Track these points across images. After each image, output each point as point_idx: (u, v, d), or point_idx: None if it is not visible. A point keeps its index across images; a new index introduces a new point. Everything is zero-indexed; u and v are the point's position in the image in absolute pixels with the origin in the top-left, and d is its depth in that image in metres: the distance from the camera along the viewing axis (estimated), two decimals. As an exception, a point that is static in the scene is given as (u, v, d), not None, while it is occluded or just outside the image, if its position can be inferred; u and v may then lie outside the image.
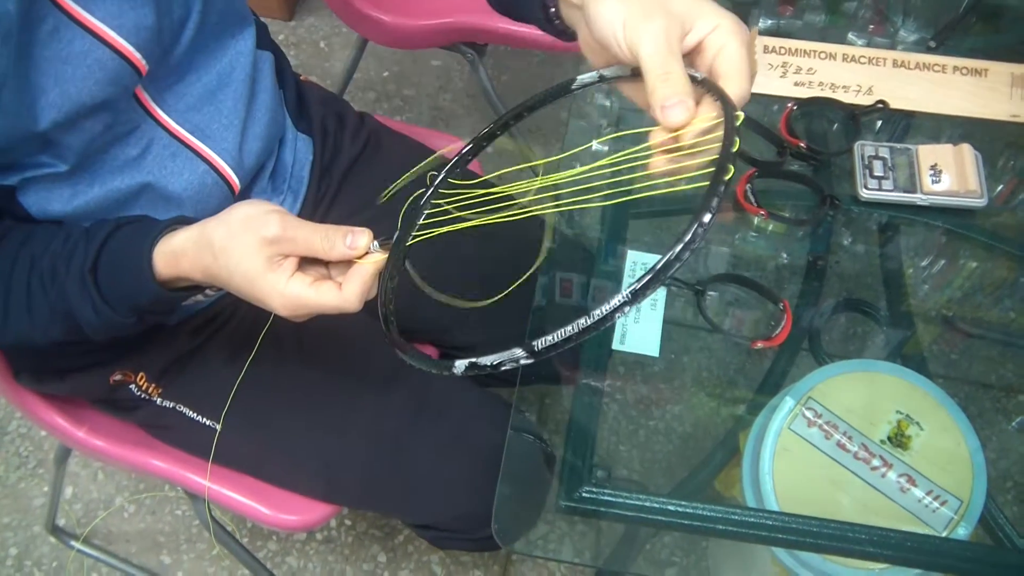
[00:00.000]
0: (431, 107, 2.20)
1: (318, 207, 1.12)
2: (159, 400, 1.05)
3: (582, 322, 0.54)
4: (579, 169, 0.71)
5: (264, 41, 1.04)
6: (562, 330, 0.55)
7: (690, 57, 0.67)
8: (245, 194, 1.03)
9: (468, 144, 0.78)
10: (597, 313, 0.53)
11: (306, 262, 0.75)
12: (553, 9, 0.79)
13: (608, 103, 1.16)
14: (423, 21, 1.55)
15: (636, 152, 0.65)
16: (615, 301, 0.53)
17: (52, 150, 0.82)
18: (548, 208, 0.76)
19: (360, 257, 0.73)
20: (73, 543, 1.68)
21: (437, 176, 0.78)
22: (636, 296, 0.53)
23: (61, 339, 0.85)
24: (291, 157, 1.08)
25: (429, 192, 0.77)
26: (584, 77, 0.74)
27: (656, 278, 0.53)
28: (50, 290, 0.81)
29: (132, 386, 1.04)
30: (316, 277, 0.74)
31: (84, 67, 0.78)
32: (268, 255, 0.73)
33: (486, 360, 0.59)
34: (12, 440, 1.81)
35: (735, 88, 0.64)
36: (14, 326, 0.85)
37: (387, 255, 0.74)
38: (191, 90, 0.92)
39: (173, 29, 0.87)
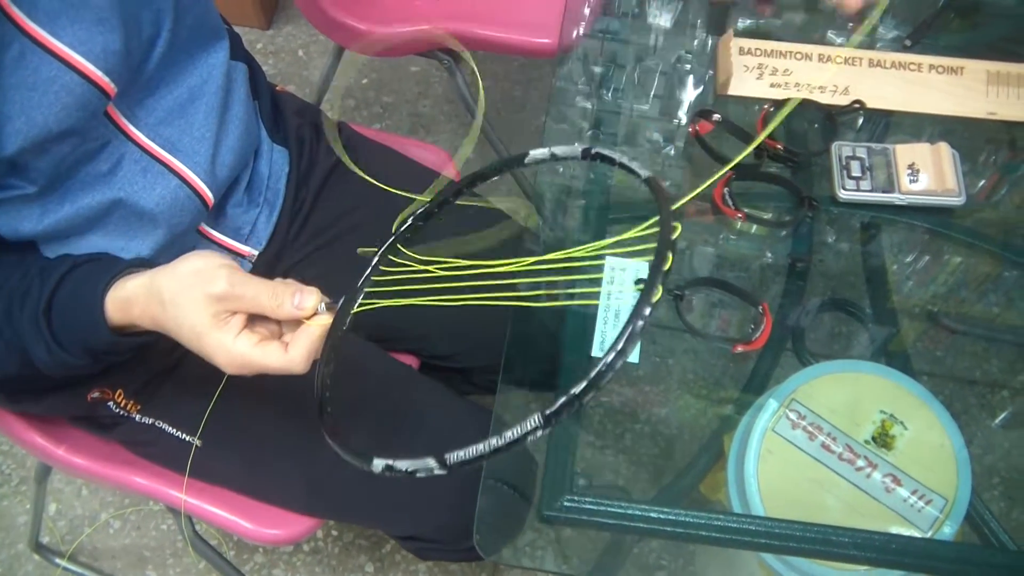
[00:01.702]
0: (410, 114, 2.19)
1: (295, 219, 1.11)
2: (138, 417, 1.04)
3: (493, 442, 0.56)
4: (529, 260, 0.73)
5: (238, 52, 1.03)
6: (474, 447, 0.57)
7: None
8: (220, 208, 1.02)
9: (409, 218, 0.79)
10: (509, 435, 0.55)
11: (256, 318, 0.75)
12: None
13: (588, 106, 1.16)
14: (398, 28, 1.54)
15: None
16: (529, 424, 0.54)
17: (20, 174, 0.81)
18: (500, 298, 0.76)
19: (308, 318, 0.73)
20: (58, 561, 1.67)
21: (382, 247, 0.79)
22: (549, 421, 0.54)
23: (16, 374, 0.85)
24: (267, 169, 1.07)
25: (369, 270, 0.77)
26: (536, 153, 0.76)
27: (570, 403, 0.54)
28: (5, 328, 0.81)
29: (110, 403, 1.02)
30: (263, 336, 0.74)
31: (51, 93, 0.77)
32: (214, 311, 0.72)
33: (402, 465, 0.61)
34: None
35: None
36: None
37: (334, 317, 0.74)
38: (162, 104, 0.91)
39: (142, 49, 0.86)
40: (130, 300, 0.76)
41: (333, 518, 1.19)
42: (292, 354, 0.72)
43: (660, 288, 0.57)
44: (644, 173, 0.65)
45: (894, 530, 0.83)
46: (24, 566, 1.68)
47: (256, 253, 1.06)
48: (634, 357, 0.95)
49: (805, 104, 1.08)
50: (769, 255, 1.06)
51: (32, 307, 0.79)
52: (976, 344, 1.07)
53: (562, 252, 0.71)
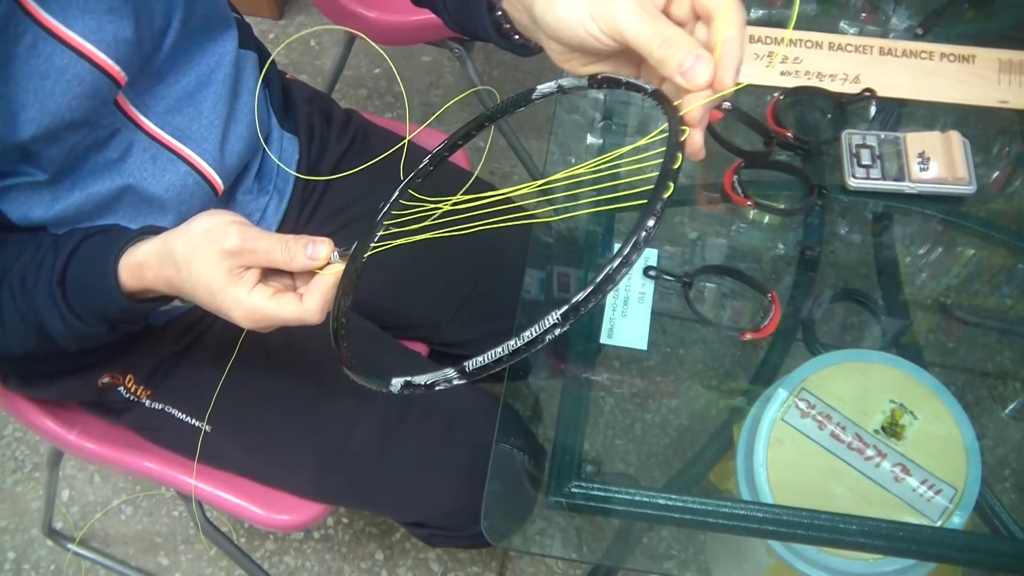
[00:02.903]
0: (422, 103, 2.19)
1: (304, 206, 1.12)
2: (148, 402, 1.04)
3: (512, 343, 0.54)
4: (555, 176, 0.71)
5: (247, 41, 1.03)
6: (493, 351, 0.54)
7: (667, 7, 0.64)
8: (230, 195, 1.02)
9: (427, 159, 0.78)
10: (527, 334, 0.53)
11: (270, 273, 0.75)
12: (508, 25, 0.76)
13: (599, 96, 1.16)
14: (409, 17, 1.54)
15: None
16: (547, 321, 0.52)
17: (31, 161, 0.82)
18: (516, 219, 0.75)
19: (321, 268, 0.73)
20: (70, 546, 1.68)
21: (397, 189, 0.78)
22: (567, 317, 0.52)
23: (35, 350, 0.85)
24: (277, 156, 1.07)
25: (386, 207, 0.76)
26: (544, 87, 0.73)
27: (584, 303, 0.52)
28: (20, 302, 0.81)
29: (120, 388, 1.03)
30: (278, 289, 0.74)
31: (64, 82, 0.77)
32: (229, 267, 0.72)
33: (420, 379, 0.59)
34: (8, 444, 1.80)
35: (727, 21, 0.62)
36: None
37: (347, 263, 0.73)
38: (170, 92, 0.91)
39: (153, 39, 0.86)
40: (143, 264, 0.77)
41: (342, 504, 1.20)
42: (307, 304, 0.72)
43: (671, 186, 0.54)
44: (649, 86, 0.64)
45: (903, 519, 0.83)
46: (37, 551, 1.70)
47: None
48: (644, 345, 0.95)
49: (816, 92, 1.08)
50: (781, 245, 1.06)
51: (46, 278, 0.80)
52: (988, 336, 1.06)
53: (569, 169, 0.69)
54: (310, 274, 0.73)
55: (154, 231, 0.80)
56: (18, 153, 0.80)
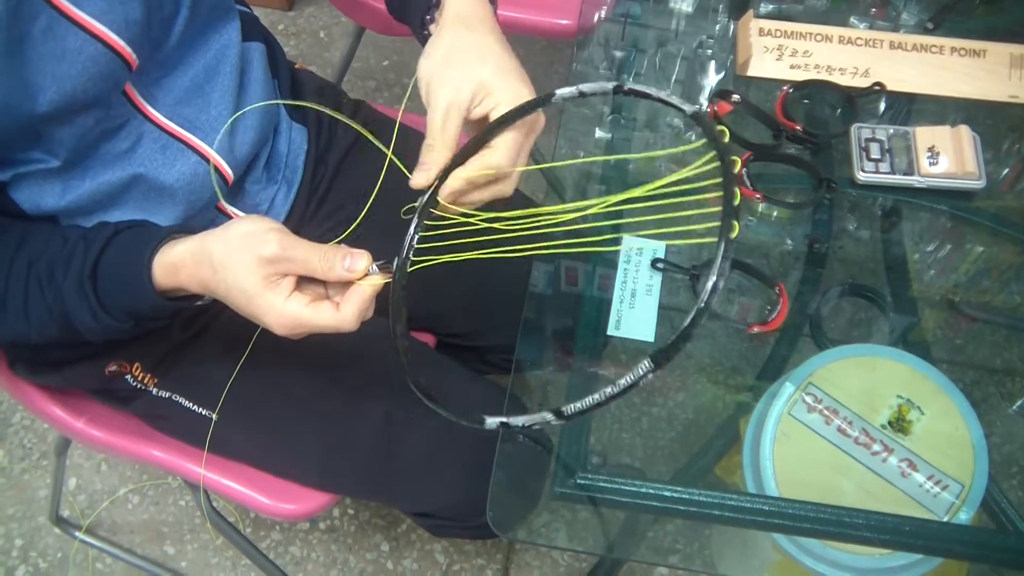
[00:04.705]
0: (432, 95, 2.19)
1: (312, 196, 1.12)
2: (155, 390, 1.04)
3: (609, 390, 0.58)
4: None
5: (255, 32, 1.04)
6: (591, 397, 0.59)
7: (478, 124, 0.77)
8: (239, 184, 1.02)
9: (439, 175, 0.78)
10: (623, 382, 0.58)
11: (303, 280, 0.75)
12: (427, 31, 0.85)
13: (609, 90, 1.15)
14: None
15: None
16: (640, 369, 0.57)
17: (44, 146, 0.82)
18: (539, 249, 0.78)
19: (360, 279, 0.74)
20: (77, 534, 1.68)
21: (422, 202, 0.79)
22: (658, 362, 0.57)
23: (57, 339, 0.86)
24: (285, 147, 1.08)
25: (413, 226, 0.77)
26: (563, 91, 0.76)
27: (681, 341, 0.57)
28: (47, 292, 0.81)
29: (128, 376, 1.03)
30: (313, 297, 0.75)
31: (79, 63, 0.78)
32: (266, 274, 0.73)
33: (517, 420, 0.63)
34: (16, 431, 1.81)
35: (496, 158, 0.75)
36: (10, 325, 0.85)
37: (386, 278, 0.74)
38: (178, 84, 0.92)
39: (163, 24, 0.87)
40: (177, 264, 0.77)
41: (348, 494, 1.20)
42: (344, 313, 0.73)
43: (736, 225, 0.59)
44: (688, 108, 0.64)
45: (910, 515, 0.83)
46: (44, 538, 1.70)
47: (274, 229, 1.07)
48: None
49: (825, 86, 1.08)
50: (789, 240, 1.06)
51: (76, 271, 0.80)
52: (997, 332, 1.06)
53: (610, 198, 0.71)
54: (344, 284, 0.75)
55: (186, 231, 0.81)
56: (32, 137, 0.81)
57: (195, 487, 1.15)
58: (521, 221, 0.76)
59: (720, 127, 0.62)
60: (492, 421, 0.62)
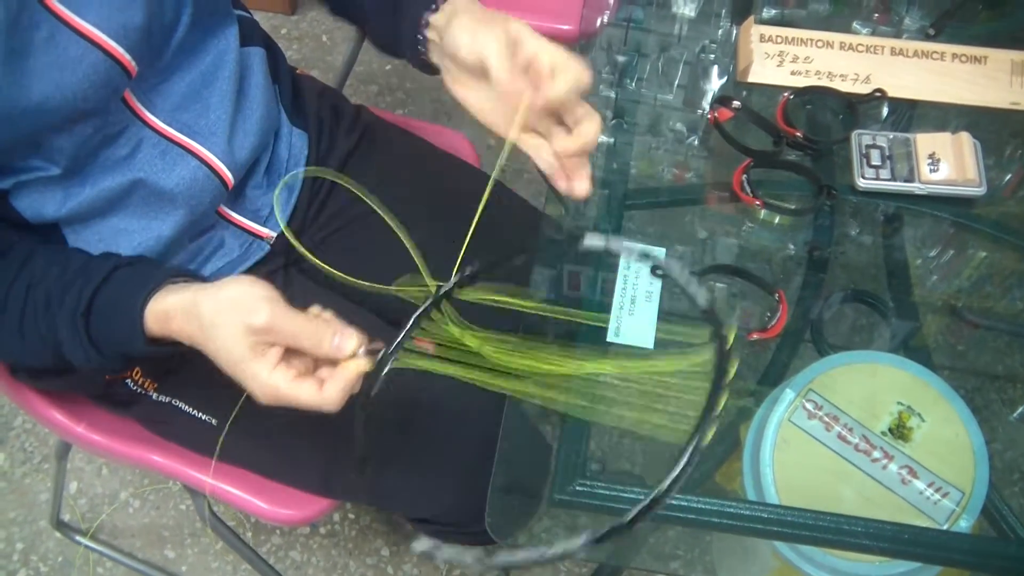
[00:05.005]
0: (433, 100, 2.19)
1: (313, 201, 1.12)
2: (155, 395, 1.04)
3: (541, 553, 0.61)
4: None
5: (255, 37, 1.04)
6: (523, 553, 0.61)
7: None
8: (240, 190, 1.02)
9: (412, 322, 0.76)
10: (556, 551, 0.60)
11: (292, 350, 0.75)
12: (422, 48, 0.84)
13: (611, 94, 1.15)
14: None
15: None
16: (575, 543, 0.60)
17: (44, 154, 0.83)
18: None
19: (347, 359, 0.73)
20: (78, 538, 1.68)
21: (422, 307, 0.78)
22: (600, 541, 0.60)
23: (50, 366, 0.86)
24: (286, 152, 1.08)
25: (409, 326, 0.75)
26: (592, 241, 0.76)
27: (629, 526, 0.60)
28: (42, 321, 0.82)
29: (128, 381, 1.03)
30: (299, 371, 0.74)
31: (80, 72, 0.78)
32: (252, 343, 0.72)
33: (444, 553, 0.64)
34: (17, 435, 1.81)
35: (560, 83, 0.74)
36: (6, 348, 0.85)
37: (372, 364, 0.73)
38: (176, 90, 0.92)
39: (163, 32, 0.87)
40: (169, 314, 0.77)
41: (348, 499, 1.20)
42: (327, 392, 0.72)
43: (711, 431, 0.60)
44: (705, 302, 0.65)
45: (910, 522, 0.83)
46: (45, 542, 1.70)
47: (274, 235, 1.07)
48: (650, 344, 0.94)
49: (826, 92, 1.08)
50: (791, 246, 1.05)
51: (71, 307, 0.80)
52: (999, 339, 1.06)
53: (609, 364, 0.72)
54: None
55: (184, 274, 0.81)
56: (32, 146, 0.81)
57: (195, 492, 1.15)
58: (516, 355, 0.75)
59: (730, 330, 0.63)
60: (421, 545, 0.63)
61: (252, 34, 1.03)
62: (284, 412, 1.05)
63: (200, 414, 1.04)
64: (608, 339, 0.94)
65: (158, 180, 0.91)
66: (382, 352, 0.74)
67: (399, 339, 0.74)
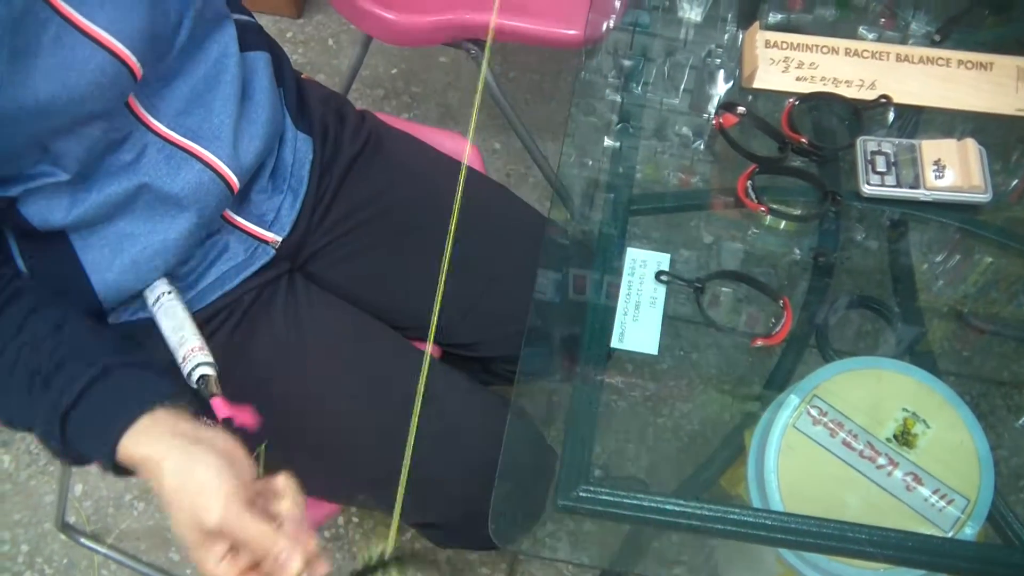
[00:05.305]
0: (439, 104, 2.19)
1: (318, 206, 1.12)
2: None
3: None
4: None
5: (259, 41, 1.04)
6: None
7: None
8: (244, 194, 1.02)
9: None
10: None
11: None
12: None
13: (617, 98, 1.15)
14: (425, 17, 1.54)
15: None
16: None
17: (52, 159, 0.83)
18: None
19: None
20: (83, 540, 1.68)
21: None
22: None
23: (30, 431, 0.86)
24: (291, 156, 1.08)
25: None
26: None
27: None
28: (25, 396, 0.82)
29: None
30: (244, 566, 0.74)
31: (87, 73, 0.78)
32: (201, 537, 0.73)
33: None
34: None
35: None
36: None
37: None
38: (179, 94, 0.92)
39: (167, 35, 0.87)
40: (138, 462, 0.78)
41: (352, 504, 1.20)
42: None
43: None
44: None
45: (914, 529, 0.83)
46: (50, 545, 1.71)
47: (280, 239, 1.07)
48: (655, 350, 0.95)
49: (831, 98, 1.08)
50: (796, 251, 1.05)
51: (51, 403, 0.80)
52: (1004, 345, 1.06)
53: None
54: None
55: (169, 398, 0.81)
56: (40, 150, 0.81)
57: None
58: None
59: None
60: None
61: (256, 38, 1.04)
62: (286, 413, 1.06)
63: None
64: (612, 345, 0.94)
65: (164, 185, 0.91)
66: None
67: None
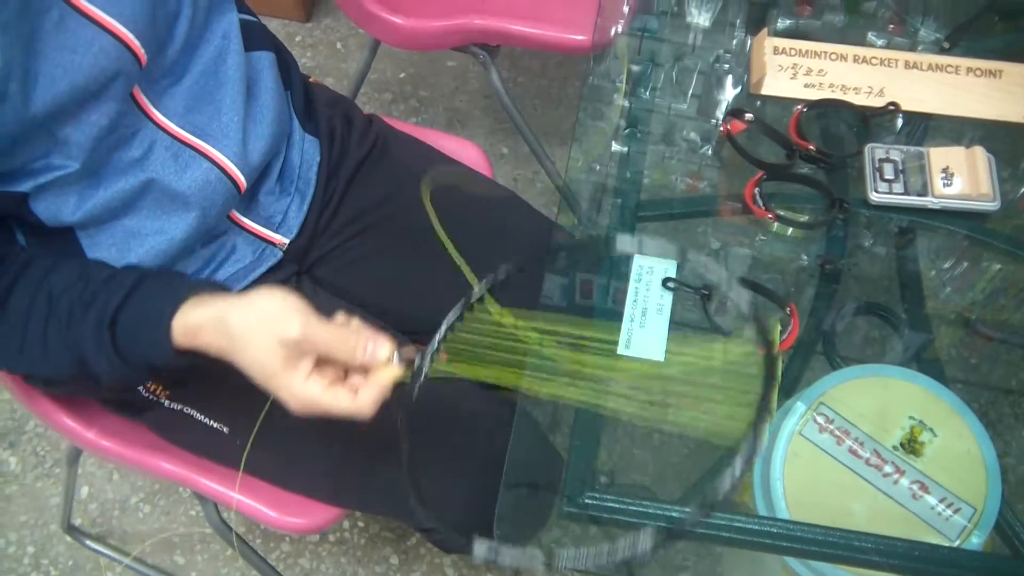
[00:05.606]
0: (446, 108, 2.20)
1: (325, 208, 1.12)
2: (167, 402, 1.05)
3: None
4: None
5: (264, 41, 1.04)
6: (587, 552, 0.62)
7: None
8: (252, 195, 1.03)
9: (446, 325, 0.78)
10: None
11: (323, 359, 0.76)
12: None
13: (625, 103, 1.15)
14: (433, 22, 1.54)
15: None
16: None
17: (60, 149, 0.83)
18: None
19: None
20: (88, 542, 1.69)
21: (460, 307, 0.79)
22: None
23: (73, 376, 0.86)
24: (298, 158, 1.08)
25: (443, 328, 0.76)
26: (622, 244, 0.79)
27: None
28: (66, 333, 0.82)
29: (140, 388, 1.04)
30: (332, 379, 0.75)
31: (91, 55, 0.79)
32: (285, 355, 0.74)
33: (506, 555, 0.64)
34: (29, 439, 1.82)
35: None
36: (28, 360, 0.86)
37: (406, 369, 0.74)
38: (186, 92, 0.93)
39: (167, 21, 0.88)
40: (198, 328, 0.78)
41: (357, 508, 1.20)
42: (361, 400, 0.74)
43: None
44: (746, 307, 0.68)
45: (920, 538, 0.82)
46: (56, 546, 1.71)
47: (287, 242, 1.07)
48: (661, 357, 0.94)
49: (840, 105, 1.07)
50: (804, 257, 1.05)
51: (96, 318, 0.81)
52: (1013, 353, 1.05)
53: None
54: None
55: (210, 285, 0.82)
56: (47, 138, 0.82)
57: (204, 499, 1.15)
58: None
59: (774, 341, 0.65)
60: (480, 551, 0.63)
61: (261, 38, 1.04)
62: (295, 422, 1.05)
63: (212, 422, 1.05)
64: (619, 352, 0.94)
65: (171, 182, 0.91)
66: (420, 355, 0.74)
67: (435, 342, 0.75)
